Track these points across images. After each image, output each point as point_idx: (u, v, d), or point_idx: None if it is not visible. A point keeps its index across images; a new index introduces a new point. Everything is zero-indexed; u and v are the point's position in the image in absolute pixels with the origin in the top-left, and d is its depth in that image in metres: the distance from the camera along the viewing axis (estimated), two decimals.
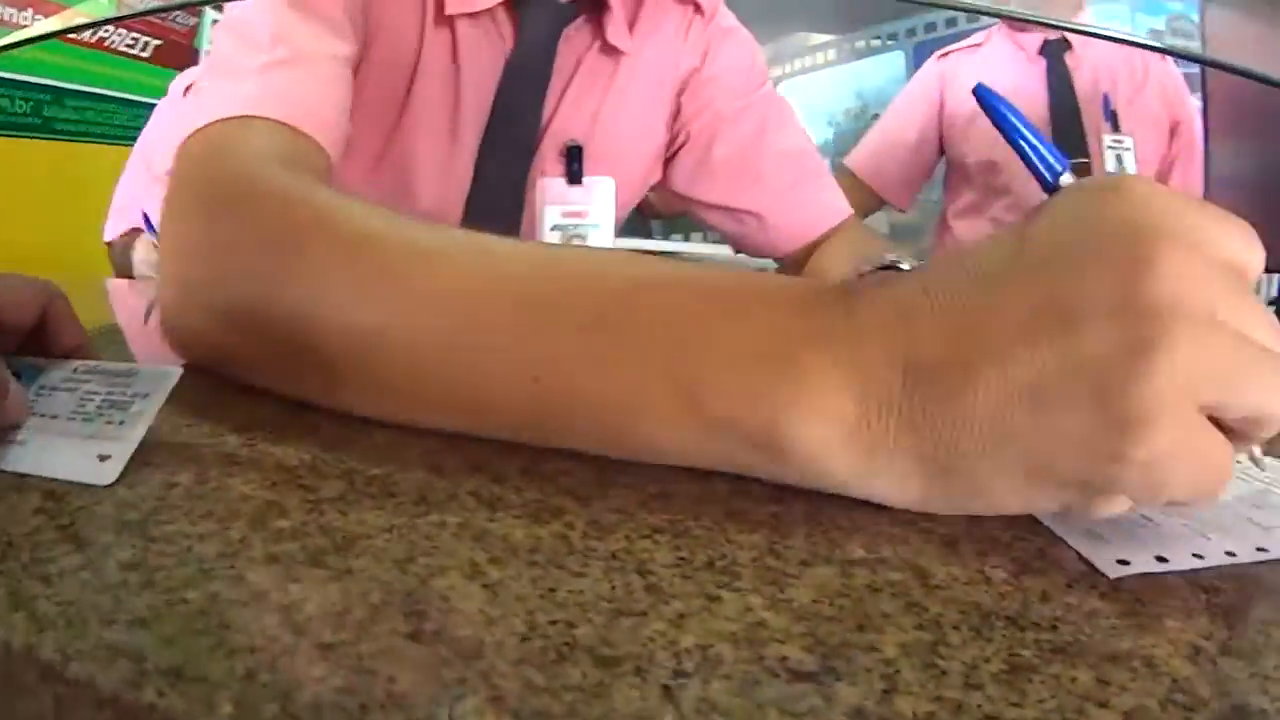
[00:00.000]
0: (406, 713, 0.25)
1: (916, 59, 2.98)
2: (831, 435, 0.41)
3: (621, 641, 0.30)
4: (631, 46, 1.12)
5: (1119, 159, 2.16)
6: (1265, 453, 0.44)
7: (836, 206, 1.22)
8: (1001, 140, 1.37)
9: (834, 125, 2.99)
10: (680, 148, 1.21)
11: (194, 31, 2.42)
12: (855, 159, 2.38)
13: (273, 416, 0.51)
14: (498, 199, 1.08)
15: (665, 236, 2.95)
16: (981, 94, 0.44)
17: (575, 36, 1.09)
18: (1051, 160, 0.43)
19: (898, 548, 0.41)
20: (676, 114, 1.21)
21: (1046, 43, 2.21)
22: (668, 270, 0.49)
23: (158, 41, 2.38)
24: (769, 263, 1.29)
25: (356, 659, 0.27)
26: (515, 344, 0.46)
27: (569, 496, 0.43)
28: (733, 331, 0.44)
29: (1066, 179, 0.43)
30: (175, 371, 0.46)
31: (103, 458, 0.42)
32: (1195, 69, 2.15)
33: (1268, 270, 1.08)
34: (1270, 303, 1.18)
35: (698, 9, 1.18)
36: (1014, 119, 0.44)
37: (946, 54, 2.40)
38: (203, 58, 2.30)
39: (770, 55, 2.92)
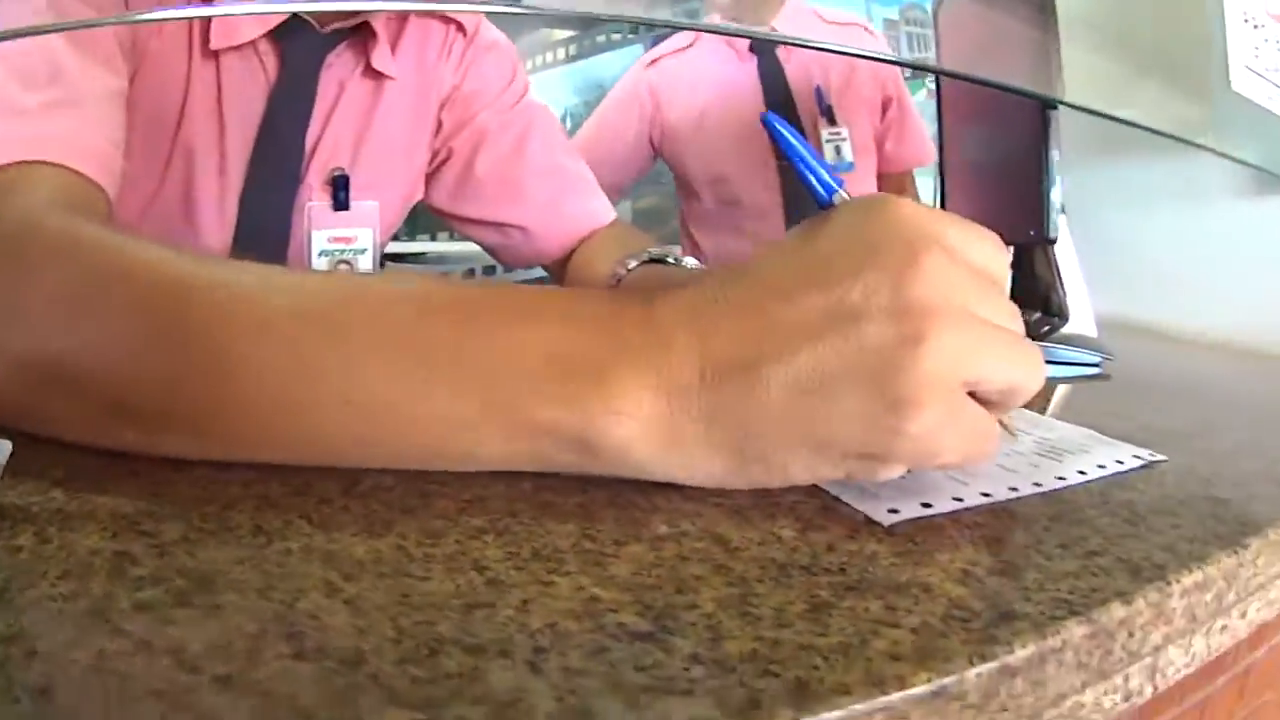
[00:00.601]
0: None
1: None
2: (640, 432, 0.46)
3: (481, 631, 0.34)
4: (395, 70, 1.12)
5: (837, 150, 2.20)
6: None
7: (600, 213, 1.24)
8: (727, 153, 1.43)
9: (573, 118, 3.03)
10: (442, 163, 1.22)
11: None
12: None
13: (90, 466, 0.51)
14: (265, 228, 1.07)
15: (412, 237, 2.93)
16: (767, 120, 0.50)
17: (338, 63, 1.09)
18: (829, 179, 0.50)
19: (696, 521, 0.47)
20: (438, 130, 1.21)
21: (754, 42, 2.19)
22: (470, 292, 0.52)
23: None
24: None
25: (255, 685, 0.30)
26: (329, 376, 0.47)
27: (394, 510, 0.46)
28: (544, 346, 0.47)
29: (840, 196, 0.50)
30: (5, 446, 0.46)
31: None
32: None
33: (1006, 243, 1.19)
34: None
35: (460, 28, 1.19)
36: (796, 142, 0.50)
37: (655, 61, 2.34)
38: None
39: None
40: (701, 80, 2.24)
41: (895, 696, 0.33)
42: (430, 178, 1.24)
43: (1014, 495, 0.54)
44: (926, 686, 0.34)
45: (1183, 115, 1.10)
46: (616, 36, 3.16)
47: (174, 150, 1.02)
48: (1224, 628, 0.52)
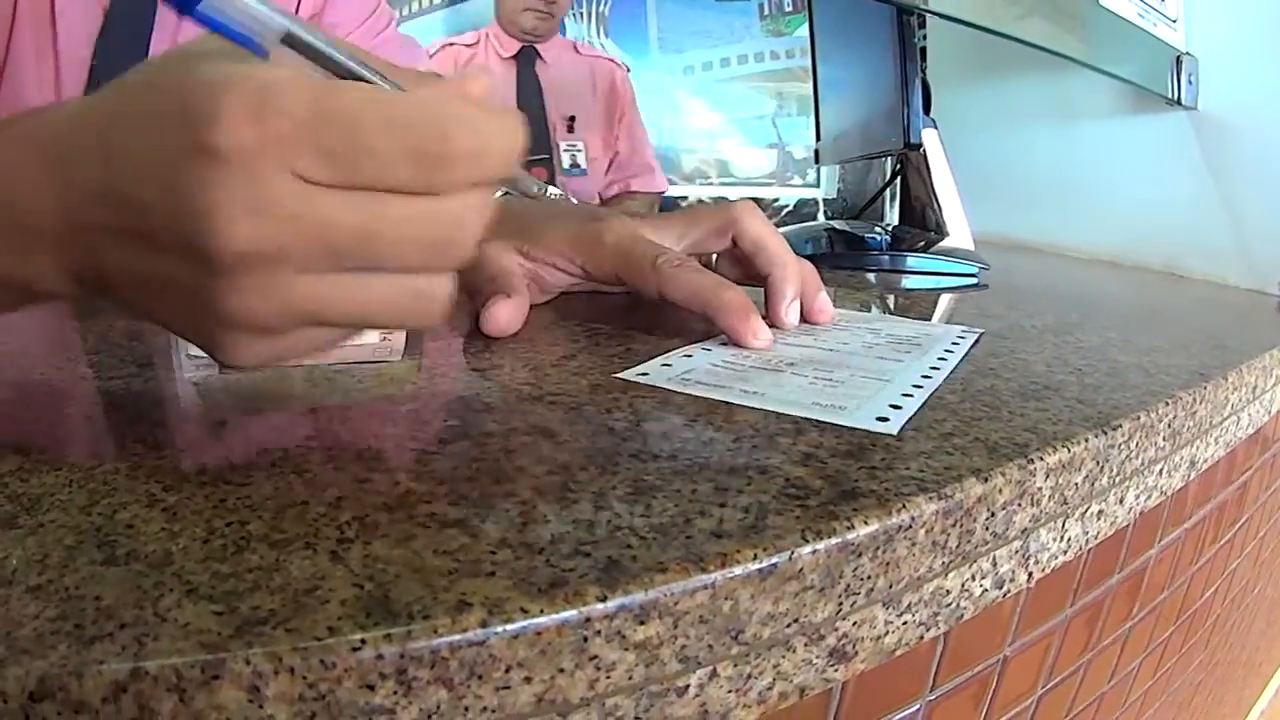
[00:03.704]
0: (116, 620, 0.26)
1: None
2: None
3: (290, 527, 0.32)
4: None
5: (573, 158, 2.58)
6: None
7: None
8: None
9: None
10: None
11: None
12: None
13: None
14: None
15: None
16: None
17: None
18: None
19: (527, 417, 0.44)
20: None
21: (521, 50, 2.53)
22: None
23: None
24: None
25: (64, 591, 0.28)
26: None
27: (225, 426, 0.44)
28: None
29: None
30: None
31: None
32: None
33: (875, 156, 1.18)
34: (884, 186, 1.30)
35: None
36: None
37: (449, 45, 2.59)
38: None
39: None
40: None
41: (717, 575, 0.30)
42: None
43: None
44: (754, 565, 0.31)
45: (1057, 32, 1.10)
46: None
47: (4, 73, 0.96)
48: (1100, 512, 0.51)
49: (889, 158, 1.34)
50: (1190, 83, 1.25)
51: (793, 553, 0.32)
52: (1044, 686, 0.62)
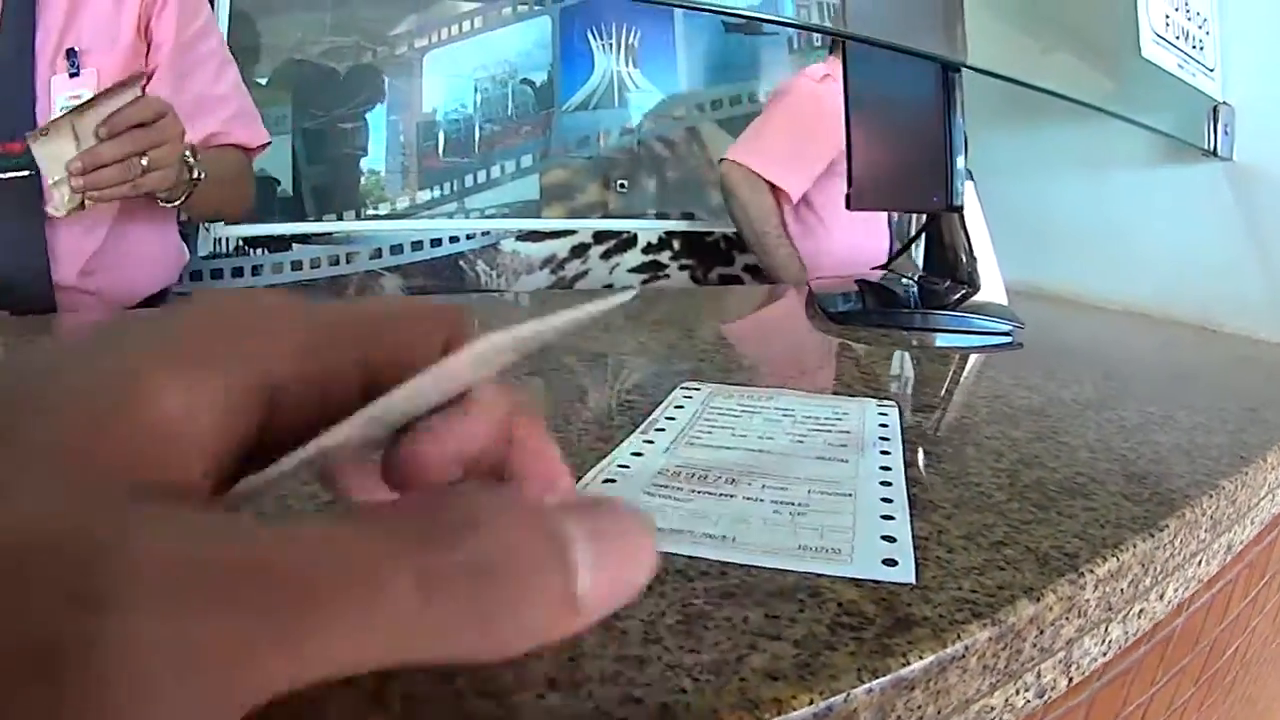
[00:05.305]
0: None
1: (563, 23, 3.04)
2: None
3: None
4: None
5: None
6: None
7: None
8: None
9: (482, 92, 2.99)
10: (151, 75, 1.33)
11: None
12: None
13: None
14: (11, 93, 1.25)
15: (318, 217, 2.82)
16: None
17: None
18: None
19: None
20: (149, 24, 1.36)
21: None
22: None
23: None
24: None
25: None
26: None
27: None
28: None
29: None
30: None
31: None
32: None
33: (911, 211, 1.17)
34: (915, 236, 1.29)
35: None
36: None
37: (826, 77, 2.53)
38: None
39: (418, 25, 2.91)
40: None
41: None
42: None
43: None
44: (809, 709, 0.30)
45: (1092, 82, 1.09)
46: (524, 8, 3.11)
47: None
48: (1141, 612, 0.49)
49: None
50: (1226, 133, 1.24)
51: (848, 694, 0.31)
52: None
